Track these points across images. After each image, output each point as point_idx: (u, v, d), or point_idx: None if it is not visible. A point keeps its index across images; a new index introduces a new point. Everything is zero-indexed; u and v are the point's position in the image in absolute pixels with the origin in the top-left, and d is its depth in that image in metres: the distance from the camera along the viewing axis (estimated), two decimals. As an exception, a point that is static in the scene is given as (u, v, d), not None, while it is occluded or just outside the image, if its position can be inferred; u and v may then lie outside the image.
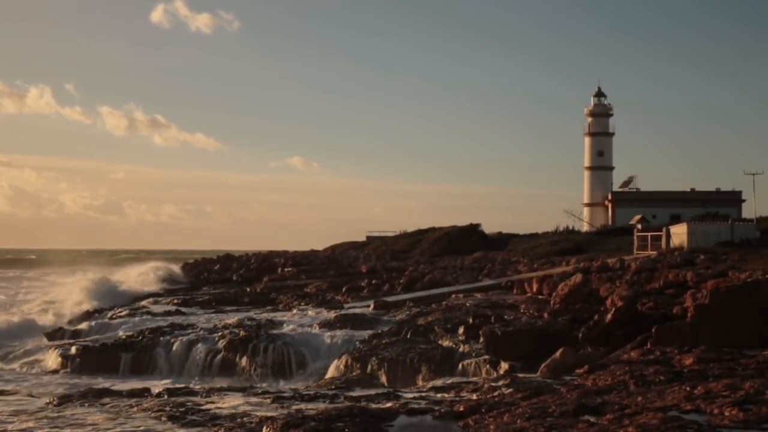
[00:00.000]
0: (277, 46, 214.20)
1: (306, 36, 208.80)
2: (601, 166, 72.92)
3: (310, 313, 27.33)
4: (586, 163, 73.81)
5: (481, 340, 16.97)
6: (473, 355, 17.15)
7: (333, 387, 14.57)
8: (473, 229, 63.30)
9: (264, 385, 16.87)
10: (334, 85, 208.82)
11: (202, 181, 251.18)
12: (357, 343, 20.06)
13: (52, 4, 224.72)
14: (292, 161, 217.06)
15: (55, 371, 20.96)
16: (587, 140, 73.78)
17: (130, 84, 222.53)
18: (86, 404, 11.70)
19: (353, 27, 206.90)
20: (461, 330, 18.87)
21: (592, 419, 8.91)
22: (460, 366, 16.86)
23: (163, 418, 10.30)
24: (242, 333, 21.90)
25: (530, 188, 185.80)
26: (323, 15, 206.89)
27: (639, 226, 50.73)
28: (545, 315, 19.17)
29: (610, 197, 70.19)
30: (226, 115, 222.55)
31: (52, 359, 21.95)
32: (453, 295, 27.87)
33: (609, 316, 15.79)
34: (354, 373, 17.82)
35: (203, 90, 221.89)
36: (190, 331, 23.37)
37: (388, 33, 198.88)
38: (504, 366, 15.83)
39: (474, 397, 11.40)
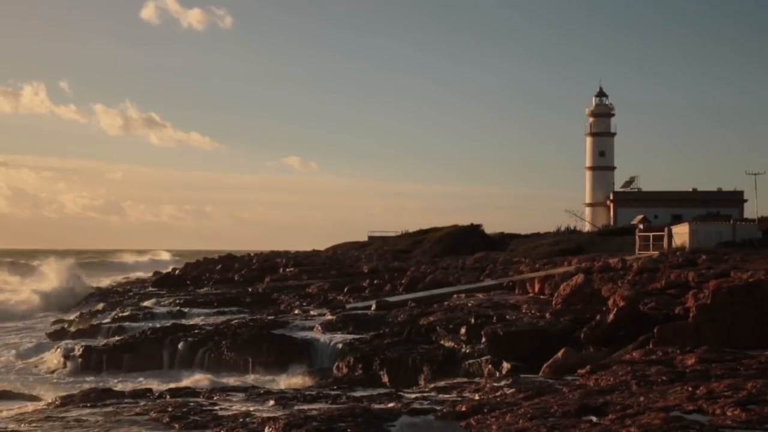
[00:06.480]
0: (272, 43, 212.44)
1: (302, 33, 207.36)
2: (602, 166, 72.96)
3: (312, 313, 27.36)
4: (588, 163, 73.85)
5: (483, 340, 16.97)
6: (475, 355, 17.15)
7: (335, 387, 14.59)
8: (475, 230, 63.33)
9: (266, 385, 16.86)
10: (331, 84, 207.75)
11: (200, 181, 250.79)
12: (359, 343, 20.06)
13: (42, 2, 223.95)
14: (289, 161, 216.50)
15: (57, 371, 20.98)
16: (589, 140, 73.83)
17: (123, 82, 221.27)
18: (88, 405, 11.70)
19: (351, 24, 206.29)
20: (463, 330, 18.86)
21: (594, 419, 8.91)
22: (462, 366, 16.87)
23: (166, 419, 10.29)
24: (244, 333, 21.92)
25: (531, 188, 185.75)
26: (320, 12, 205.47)
27: (641, 226, 50.66)
28: (547, 315, 19.16)
29: (611, 197, 70.21)
30: (221, 113, 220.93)
31: (54, 359, 21.97)
32: (455, 296, 27.85)
33: (611, 317, 15.80)
34: (356, 374, 17.85)
35: (197, 88, 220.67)
36: (192, 331, 23.39)
37: (387, 31, 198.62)
38: (506, 366, 15.82)
39: (476, 397, 11.39)
